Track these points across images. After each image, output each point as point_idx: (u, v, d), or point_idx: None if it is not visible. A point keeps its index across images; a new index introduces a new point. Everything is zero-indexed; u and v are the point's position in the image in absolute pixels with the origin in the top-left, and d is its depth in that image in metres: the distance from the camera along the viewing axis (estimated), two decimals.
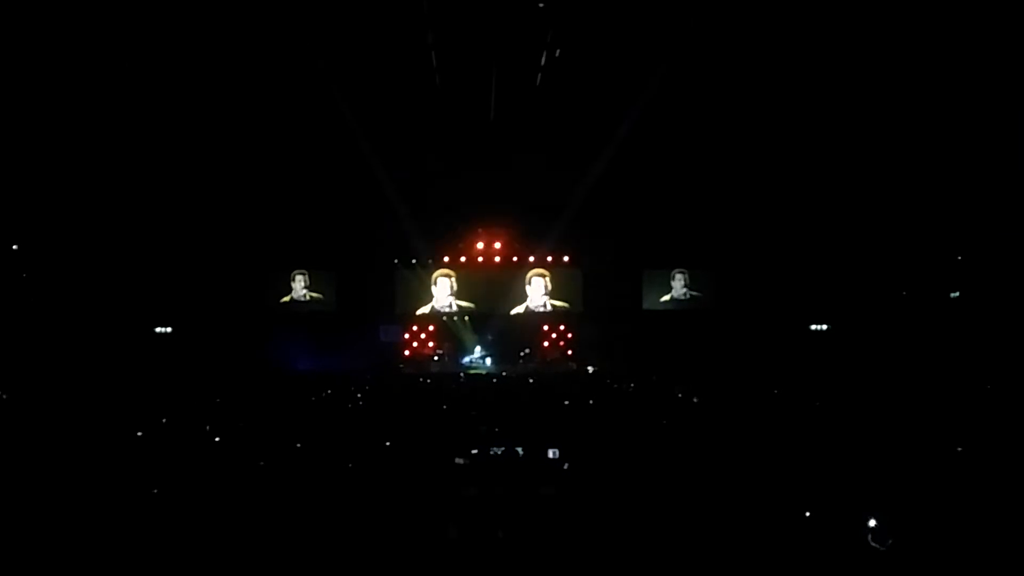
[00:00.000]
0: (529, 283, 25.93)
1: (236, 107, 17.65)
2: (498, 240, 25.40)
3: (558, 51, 16.22)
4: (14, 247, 21.27)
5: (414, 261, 25.85)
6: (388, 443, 10.10)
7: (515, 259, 25.74)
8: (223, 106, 17.39)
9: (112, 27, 13.94)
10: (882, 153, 19.67)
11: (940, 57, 14.41)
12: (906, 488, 7.39)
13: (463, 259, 25.71)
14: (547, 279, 25.91)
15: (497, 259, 25.62)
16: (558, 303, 25.92)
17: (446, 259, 25.75)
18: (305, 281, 25.57)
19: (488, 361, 25.22)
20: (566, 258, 25.86)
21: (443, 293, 25.78)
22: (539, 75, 17.57)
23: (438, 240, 25.49)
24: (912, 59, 14.43)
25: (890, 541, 5.91)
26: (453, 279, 25.81)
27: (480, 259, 25.61)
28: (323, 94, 17.27)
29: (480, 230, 25.25)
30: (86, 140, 18.60)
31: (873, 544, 6.04)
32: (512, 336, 25.57)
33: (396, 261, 25.88)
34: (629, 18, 14.23)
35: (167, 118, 18.28)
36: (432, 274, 25.88)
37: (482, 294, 25.79)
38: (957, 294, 21.87)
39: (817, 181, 20.38)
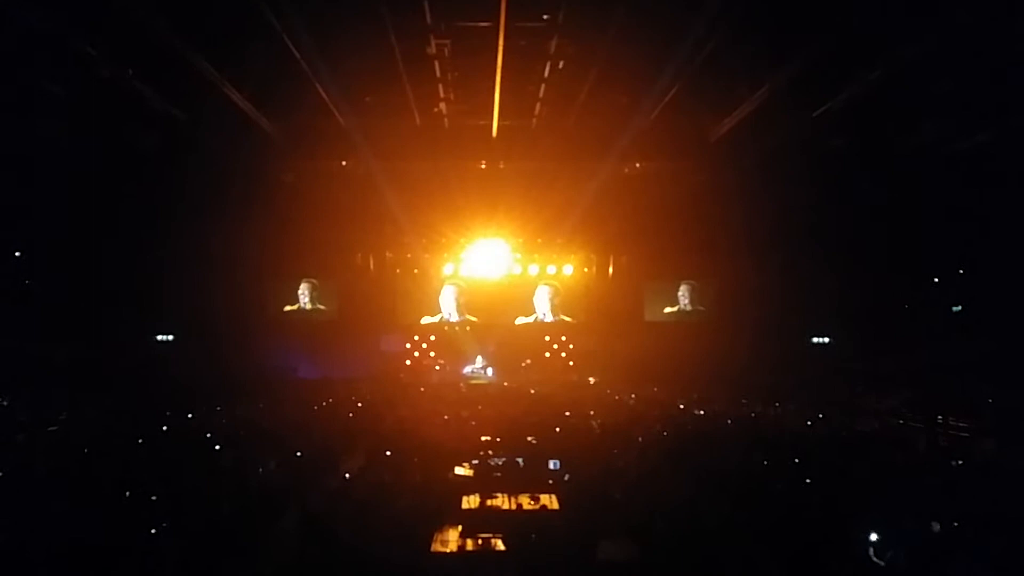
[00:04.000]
0: (536, 294, 25.91)
1: (239, 114, 17.66)
2: (501, 251, 25.35)
3: (561, 63, 16.22)
4: (16, 254, 21.30)
5: (416, 271, 25.87)
6: (388, 452, 10.09)
7: (518, 270, 25.72)
8: (226, 112, 17.38)
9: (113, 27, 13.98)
10: (885, 166, 19.68)
11: (938, 59, 14.39)
12: (908, 501, 7.37)
13: (466, 270, 25.68)
14: (553, 290, 25.90)
15: (500, 270, 25.58)
16: (566, 317, 25.91)
17: (449, 270, 25.74)
18: (310, 291, 25.58)
19: (489, 371, 25.19)
20: (569, 269, 25.84)
21: (448, 303, 25.77)
22: (543, 86, 17.59)
23: (442, 251, 25.47)
24: (908, 62, 14.40)
25: (890, 555, 5.90)
26: (457, 289, 25.79)
27: (484, 270, 25.57)
28: (323, 101, 17.25)
29: (484, 241, 25.19)
30: (89, 145, 18.63)
31: (875, 559, 6.03)
32: (514, 347, 25.53)
33: (398, 271, 25.90)
34: (634, 28, 14.20)
35: (170, 125, 18.29)
36: (435, 285, 25.87)
37: (485, 305, 25.77)
38: (959, 308, 21.84)
39: (820, 193, 20.35)
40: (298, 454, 10.08)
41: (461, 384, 23.31)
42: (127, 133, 18.74)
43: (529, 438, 11.69)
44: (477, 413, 15.03)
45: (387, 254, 25.77)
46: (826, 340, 24.66)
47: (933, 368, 18.89)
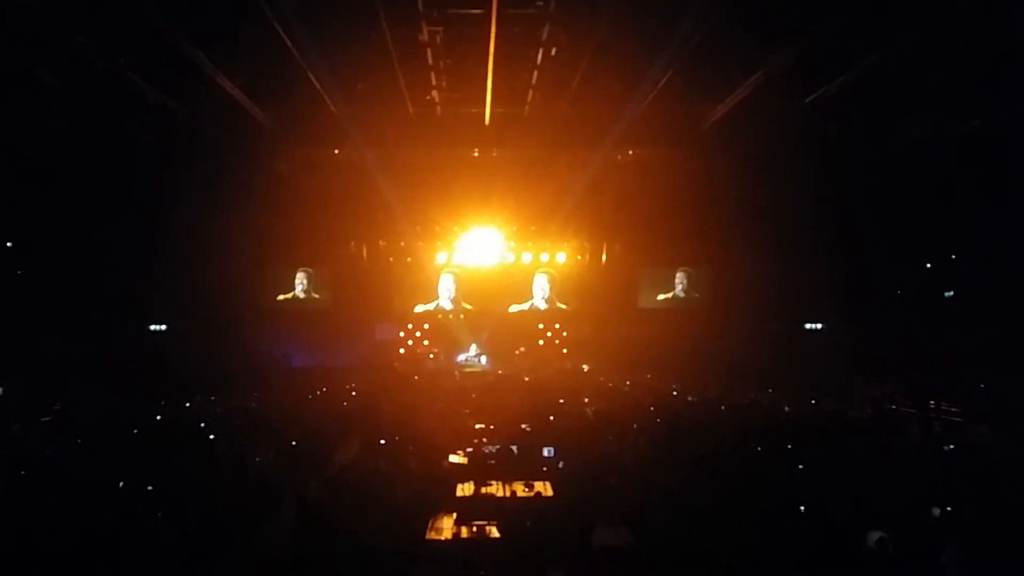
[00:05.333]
0: (534, 282, 25.92)
1: (231, 103, 17.57)
2: (495, 239, 25.32)
3: (554, 50, 16.16)
4: (8, 244, 21.20)
5: (410, 260, 25.84)
6: (383, 441, 10.11)
7: (512, 258, 25.71)
8: (219, 101, 17.29)
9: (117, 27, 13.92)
10: (879, 152, 19.69)
11: (932, 45, 14.37)
12: (900, 487, 7.41)
13: (460, 258, 25.67)
14: (550, 278, 25.91)
15: (494, 258, 25.56)
16: (560, 305, 25.93)
17: (443, 258, 25.72)
18: (304, 279, 25.57)
19: (483, 359, 25.22)
20: (562, 257, 25.84)
21: (447, 291, 25.78)
22: (535, 73, 17.53)
23: (436, 240, 25.45)
24: (903, 49, 14.37)
25: (882, 539, 5.93)
26: (455, 278, 25.79)
27: (477, 258, 25.56)
28: (315, 90, 17.16)
29: (477, 229, 25.16)
30: (80, 134, 18.54)
31: (867, 544, 6.06)
32: (508, 334, 25.54)
33: (392, 260, 25.88)
34: (627, 15, 14.13)
35: (163, 114, 18.21)
36: (429, 273, 25.85)
37: (479, 293, 25.78)
38: (952, 293, 21.89)
39: (813, 180, 20.34)
40: (293, 443, 10.09)
41: (455, 372, 23.35)
42: (119, 122, 18.66)
43: (523, 425, 11.73)
44: (471, 401, 15.07)
45: (381, 243, 25.74)
46: (819, 326, 24.72)
47: (926, 354, 18.95)
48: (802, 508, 6.84)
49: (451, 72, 17.66)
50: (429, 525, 7.27)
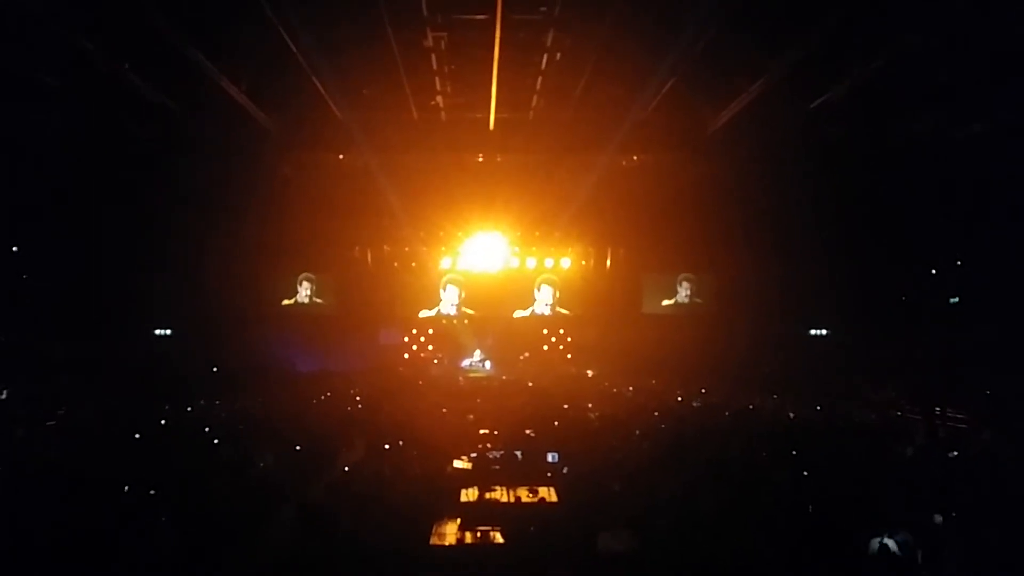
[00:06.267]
0: (539, 288, 25.91)
1: (235, 108, 17.60)
2: (499, 244, 25.30)
3: (558, 55, 16.18)
4: (14, 249, 21.26)
5: (414, 265, 25.84)
6: (387, 446, 10.10)
7: (516, 263, 25.68)
8: (223, 105, 17.33)
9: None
10: (883, 156, 19.68)
11: (935, 49, 14.37)
12: (905, 492, 7.38)
13: (464, 264, 25.65)
14: (555, 287, 25.88)
15: (498, 263, 25.54)
16: (563, 310, 25.90)
17: (447, 263, 25.71)
18: (308, 284, 25.59)
19: (487, 364, 25.20)
20: (566, 262, 25.81)
21: (450, 301, 25.77)
22: (539, 79, 17.55)
23: (440, 245, 25.45)
24: (905, 53, 14.37)
25: (886, 545, 5.91)
26: (459, 287, 25.78)
27: (481, 264, 25.55)
28: (320, 94, 17.19)
29: (481, 234, 25.15)
30: (85, 139, 18.60)
31: (872, 550, 6.04)
32: (512, 340, 25.53)
33: (396, 265, 25.87)
34: (630, 20, 14.15)
35: (167, 119, 18.26)
36: (433, 278, 25.84)
37: (483, 298, 25.76)
38: (957, 300, 21.86)
39: (817, 185, 20.33)
40: (297, 448, 10.08)
41: (459, 377, 23.31)
42: (123, 127, 18.72)
43: (527, 431, 11.70)
44: (475, 406, 15.03)
45: (385, 248, 25.74)
46: (824, 332, 24.68)
47: (930, 359, 18.91)
48: (807, 512, 6.82)
49: (456, 77, 17.71)
50: (433, 530, 7.26)
